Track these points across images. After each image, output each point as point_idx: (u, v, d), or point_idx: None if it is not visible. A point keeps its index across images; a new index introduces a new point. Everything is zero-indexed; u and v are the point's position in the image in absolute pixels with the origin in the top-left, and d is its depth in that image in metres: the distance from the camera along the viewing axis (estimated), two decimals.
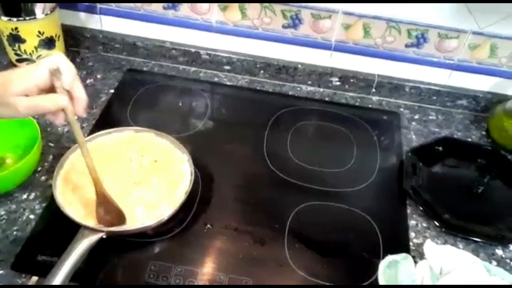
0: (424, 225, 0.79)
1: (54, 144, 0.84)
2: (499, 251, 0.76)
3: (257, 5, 0.97)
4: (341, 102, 1.04)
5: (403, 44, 0.98)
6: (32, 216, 0.73)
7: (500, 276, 0.64)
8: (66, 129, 0.88)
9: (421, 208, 0.80)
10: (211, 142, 0.90)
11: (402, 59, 1.00)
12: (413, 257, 0.69)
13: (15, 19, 0.89)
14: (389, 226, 0.78)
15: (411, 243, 0.75)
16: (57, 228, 0.71)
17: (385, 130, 0.97)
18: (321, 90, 1.06)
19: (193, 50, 1.05)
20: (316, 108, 1.01)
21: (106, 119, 0.91)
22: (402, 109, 1.04)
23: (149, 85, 1.01)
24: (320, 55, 1.03)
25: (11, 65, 0.97)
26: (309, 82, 1.06)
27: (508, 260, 0.75)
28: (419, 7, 0.92)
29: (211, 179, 0.82)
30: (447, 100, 1.04)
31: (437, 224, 0.78)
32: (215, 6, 0.98)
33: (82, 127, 0.89)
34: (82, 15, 1.05)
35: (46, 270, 0.61)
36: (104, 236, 0.66)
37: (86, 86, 0.97)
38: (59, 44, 0.97)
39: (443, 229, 0.77)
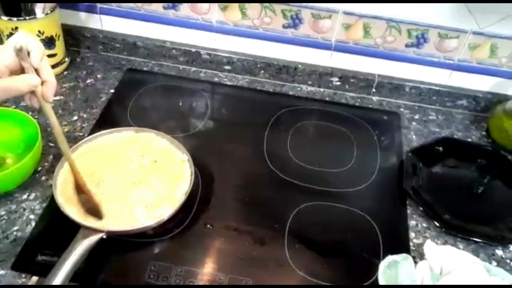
0: (424, 225, 0.79)
1: (54, 144, 0.84)
2: (499, 252, 0.76)
3: (257, 5, 0.97)
4: (341, 102, 1.04)
5: (403, 44, 0.98)
6: (32, 216, 0.73)
7: (500, 276, 0.64)
8: (66, 129, 0.88)
9: (421, 208, 0.80)
10: (211, 142, 0.90)
11: (402, 59, 1.00)
12: (413, 257, 0.69)
13: (15, 18, 0.89)
14: (389, 226, 0.78)
15: (411, 243, 0.75)
16: (57, 228, 0.71)
17: (385, 130, 0.97)
18: (321, 90, 1.06)
19: (193, 50, 1.05)
20: (316, 108, 1.01)
21: (106, 119, 0.91)
22: (402, 109, 1.04)
23: (149, 85, 1.01)
24: (320, 55, 1.03)
25: None
26: (309, 82, 1.06)
27: (508, 261, 0.75)
28: (419, 7, 0.92)
29: (211, 179, 0.82)
30: (447, 100, 1.04)
31: (437, 224, 0.78)
32: (215, 6, 0.98)
33: (82, 127, 0.89)
34: (82, 15, 1.05)
35: (46, 270, 0.61)
36: (104, 236, 0.66)
37: (86, 86, 0.99)
38: (59, 43, 0.97)
39: (443, 230, 0.77)
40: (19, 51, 0.54)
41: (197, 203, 0.77)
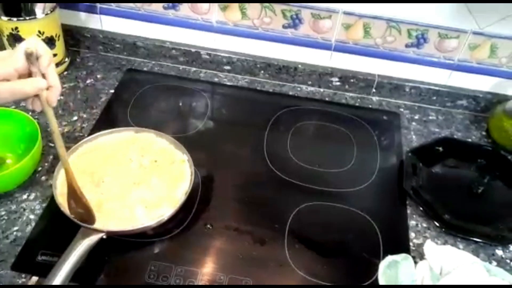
0: (424, 225, 0.79)
1: (54, 144, 0.84)
2: (499, 251, 0.76)
3: (257, 5, 0.97)
4: (341, 102, 1.04)
5: (403, 44, 0.98)
6: (32, 216, 0.73)
7: (500, 276, 0.64)
8: (66, 129, 0.88)
9: (421, 208, 0.80)
10: (211, 142, 0.90)
11: (402, 59, 1.00)
12: (413, 257, 0.69)
13: (15, 18, 0.89)
14: (389, 226, 0.78)
15: (411, 243, 0.75)
16: (57, 228, 0.71)
17: (385, 130, 0.98)
18: (321, 90, 1.06)
19: (193, 50, 1.05)
20: (316, 108, 1.01)
21: (106, 119, 0.91)
22: (402, 109, 1.04)
23: (149, 85, 1.01)
24: (320, 55, 1.03)
25: None
26: (309, 82, 1.06)
27: (508, 260, 0.75)
28: (419, 7, 0.92)
29: (211, 179, 0.82)
30: (447, 100, 1.04)
31: (437, 224, 0.78)
32: (215, 6, 0.98)
33: (82, 127, 0.89)
34: (82, 15, 1.05)
35: (46, 270, 0.61)
36: (104, 236, 0.66)
37: (86, 86, 0.99)
38: (59, 44, 0.97)
39: (443, 230, 0.77)
40: (29, 56, 0.56)
41: (197, 203, 0.77)
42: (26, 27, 0.90)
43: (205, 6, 0.99)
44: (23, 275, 0.65)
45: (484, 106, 1.03)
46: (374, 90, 1.05)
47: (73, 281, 0.62)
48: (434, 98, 1.04)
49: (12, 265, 0.66)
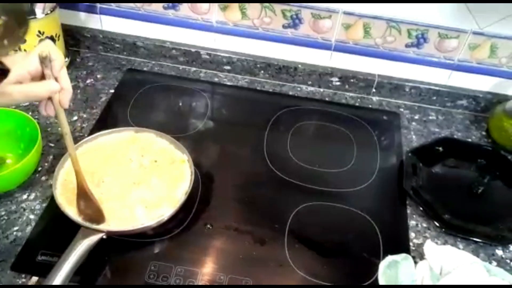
0: (424, 225, 0.79)
1: (54, 144, 0.84)
2: (499, 252, 0.76)
3: (257, 5, 0.97)
4: (341, 102, 1.04)
5: (403, 44, 0.98)
6: (32, 216, 0.73)
7: (500, 276, 0.64)
8: None
9: (421, 208, 0.80)
10: (211, 142, 0.90)
11: (402, 59, 1.00)
12: (413, 257, 0.69)
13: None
14: (389, 226, 0.78)
15: (411, 243, 0.76)
16: (57, 228, 0.71)
17: (385, 130, 0.98)
18: (321, 90, 1.06)
19: (193, 50, 1.05)
20: (316, 108, 1.01)
21: (106, 119, 0.91)
22: (402, 109, 1.04)
23: (149, 85, 1.01)
24: (320, 55, 1.03)
25: None
26: (309, 82, 1.06)
27: (508, 260, 0.75)
28: (419, 7, 0.92)
29: (211, 179, 0.82)
30: (447, 100, 1.04)
31: (437, 224, 0.78)
32: (215, 6, 0.98)
33: (82, 127, 0.89)
34: (82, 15, 1.05)
35: (46, 270, 0.61)
36: (104, 236, 0.66)
37: (86, 86, 0.99)
38: (59, 44, 0.97)
39: (443, 230, 0.77)
40: (44, 59, 0.57)
41: (197, 203, 0.77)
42: None
43: (205, 6, 0.99)
44: (23, 275, 0.65)
45: (484, 106, 1.03)
46: (374, 90, 1.05)
47: (73, 281, 0.62)
48: (434, 98, 1.04)
49: (12, 265, 0.66)
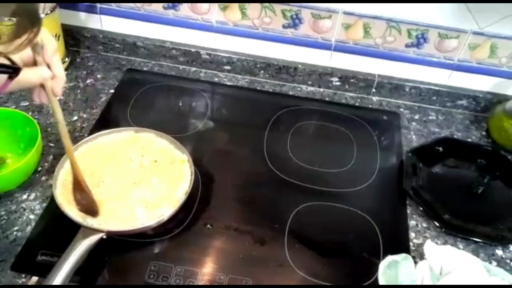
0: (424, 225, 0.79)
1: (54, 144, 0.84)
2: (499, 251, 0.76)
3: (257, 5, 0.97)
4: (341, 102, 1.04)
5: (403, 44, 0.98)
6: (32, 216, 0.73)
7: (500, 276, 0.64)
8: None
9: (421, 208, 0.80)
10: (211, 142, 0.90)
11: (402, 59, 1.00)
12: (413, 257, 0.69)
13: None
14: (389, 226, 0.78)
15: (411, 243, 0.76)
16: (57, 228, 0.71)
17: (385, 130, 0.97)
18: (321, 90, 1.06)
19: (193, 50, 1.05)
20: (316, 108, 1.01)
21: (106, 119, 0.91)
22: (402, 109, 1.04)
23: (149, 85, 1.01)
24: (320, 55, 1.03)
25: None
26: (309, 82, 1.06)
27: (508, 260, 0.75)
28: (419, 7, 0.92)
29: (211, 179, 0.82)
30: (447, 100, 1.04)
31: (437, 224, 0.78)
32: (215, 6, 0.98)
33: (82, 127, 0.89)
34: (82, 15, 1.05)
35: (46, 270, 0.61)
36: (104, 236, 0.66)
37: (86, 86, 0.99)
38: (59, 43, 0.97)
39: (443, 229, 0.77)
40: (35, 45, 0.55)
41: (197, 203, 0.77)
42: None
43: (205, 6, 0.99)
44: (23, 275, 0.65)
45: (484, 106, 1.03)
46: (374, 90, 1.05)
47: (73, 281, 0.62)
48: (434, 98, 1.04)
49: (12, 265, 0.66)
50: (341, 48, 1.01)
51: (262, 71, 1.06)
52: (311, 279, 0.69)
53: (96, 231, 0.66)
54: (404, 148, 0.93)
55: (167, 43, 1.05)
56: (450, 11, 0.91)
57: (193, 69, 1.08)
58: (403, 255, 0.66)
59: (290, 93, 1.05)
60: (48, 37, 0.57)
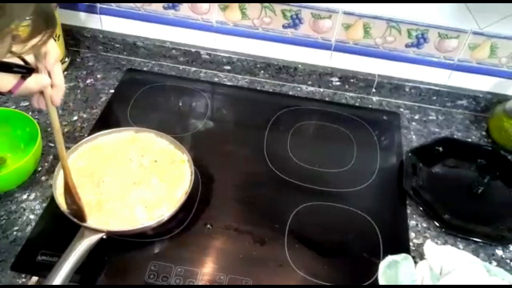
0: (424, 225, 0.79)
1: (54, 144, 0.84)
2: (499, 251, 0.76)
3: (257, 5, 0.97)
4: (341, 102, 1.04)
5: (403, 44, 0.98)
6: (32, 216, 0.73)
7: (500, 276, 0.64)
8: (66, 129, 0.88)
9: (421, 208, 0.80)
10: (211, 142, 0.90)
11: (402, 59, 1.00)
12: (413, 257, 0.69)
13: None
14: (389, 226, 0.78)
15: (411, 243, 0.76)
16: (57, 228, 0.71)
17: (385, 130, 0.97)
18: (321, 90, 1.06)
19: (193, 50, 1.05)
20: (316, 108, 1.01)
21: (106, 119, 0.91)
22: (402, 109, 1.04)
23: (149, 85, 1.01)
24: (320, 55, 1.03)
25: None
26: (309, 82, 1.06)
27: (508, 260, 0.75)
28: (419, 7, 0.92)
29: (211, 179, 0.82)
30: (447, 100, 1.04)
31: (437, 224, 0.78)
32: (215, 6, 0.98)
33: (82, 127, 0.89)
34: (82, 15, 1.05)
35: (46, 270, 0.61)
36: (104, 236, 0.66)
37: (86, 86, 0.99)
38: (59, 44, 0.97)
39: (443, 229, 0.77)
40: (37, 51, 0.56)
41: (197, 203, 0.77)
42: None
43: (205, 6, 0.99)
44: (23, 275, 0.65)
45: (484, 106, 1.03)
46: (374, 90, 1.05)
47: (73, 281, 0.62)
48: (434, 98, 1.04)
49: (12, 265, 0.66)
50: (341, 48, 1.01)
51: (262, 71, 1.06)
52: (311, 279, 0.69)
53: (96, 231, 0.66)
54: (404, 148, 0.93)
55: (167, 43, 1.05)
56: (450, 11, 0.91)
57: (193, 69, 1.08)
58: (403, 255, 0.66)
59: (290, 93, 1.05)
60: (52, 45, 0.58)
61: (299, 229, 0.75)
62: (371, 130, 0.97)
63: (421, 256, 0.71)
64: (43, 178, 0.79)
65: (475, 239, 0.76)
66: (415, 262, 0.67)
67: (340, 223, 0.78)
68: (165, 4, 1.00)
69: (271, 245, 0.73)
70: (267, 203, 0.80)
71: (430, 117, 1.02)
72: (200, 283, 0.66)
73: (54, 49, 0.58)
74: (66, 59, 1.02)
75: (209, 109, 0.97)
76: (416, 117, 1.02)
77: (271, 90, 1.05)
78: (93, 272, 0.66)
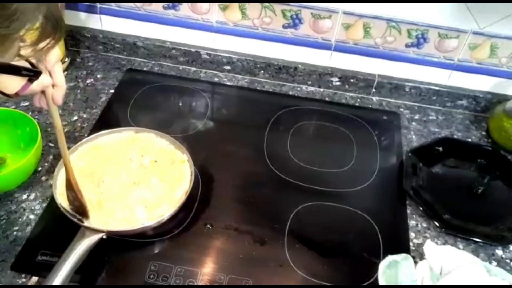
0: (424, 225, 0.79)
1: (54, 144, 0.84)
2: (499, 251, 0.76)
3: (257, 5, 0.97)
4: (341, 102, 1.04)
5: (403, 44, 0.98)
6: (32, 216, 0.73)
7: (500, 276, 0.64)
8: (66, 129, 0.88)
9: (421, 208, 0.80)
10: (211, 142, 0.90)
11: (402, 59, 1.00)
12: (413, 257, 0.69)
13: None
14: (389, 226, 0.78)
15: (411, 243, 0.76)
16: (57, 228, 0.71)
17: (385, 130, 0.97)
18: (321, 90, 1.06)
19: (193, 50, 1.05)
20: (316, 108, 1.01)
21: (106, 119, 0.91)
22: (402, 109, 1.04)
23: (149, 85, 1.01)
24: (320, 55, 1.03)
25: None
26: (309, 82, 1.06)
27: (508, 260, 0.75)
28: (419, 7, 0.92)
29: (211, 179, 0.82)
30: (447, 100, 1.04)
31: (437, 224, 0.78)
32: (215, 6, 0.98)
33: (82, 127, 0.89)
34: (82, 15, 1.05)
35: (46, 270, 0.61)
36: (104, 236, 0.66)
37: (86, 86, 0.99)
38: (59, 44, 0.97)
39: (443, 229, 0.77)
40: None
41: (197, 203, 0.77)
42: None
43: (205, 6, 0.99)
44: (23, 275, 0.65)
45: (484, 106, 1.03)
46: (374, 90, 1.05)
47: (73, 281, 0.62)
48: (434, 98, 1.04)
49: (12, 265, 0.66)
50: (341, 48, 1.01)
51: (262, 71, 1.06)
52: (311, 279, 0.69)
53: (96, 231, 0.66)
54: (404, 148, 0.93)
55: (167, 43, 1.05)
56: (450, 11, 0.91)
57: (193, 69, 1.08)
58: (403, 255, 0.66)
59: (290, 93, 1.05)
60: None
61: (299, 229, 0.75)
62: (371, 130, 0.97)
63: (421, 256, 0.71)
64: (43, 178, 0.79)
65: (475, 239, 0.76)
66: (415, 262, 0.67)
67: (340, 223, 0.78)
68: (165, 4, 1.00)
69: (271, 245, 0.73)
70: (267, 203, 0.80)
71: (430, 117, 1.02)
72: (200, 283, 0.66)
73: (54, 50, 0.58)
74: (66, 59, 1.02)
75: (209, 109, 0.97)
76: (416, 117, 1.02)
77: (271, 90, 1.05)
78: (93, 272, 0.66)
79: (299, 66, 1.04)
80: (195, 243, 0.71)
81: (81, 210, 0.68)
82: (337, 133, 0.95)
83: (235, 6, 0.98)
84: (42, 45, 0.44)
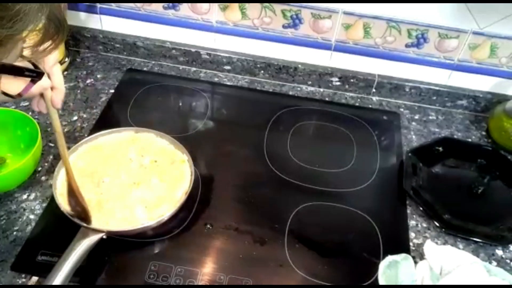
0: (424, 225, 0.79)
1: (54, 144, 0.84)
2: (499, 251, 0.76)
3: (257, 5, 0.97)
4: (341, 102, 1.04)
5: (403, 44, 0.98)
6: (32, 216, 0.73)
7: (500, 276, 0.64)
8: (66, 129, 0.88)
9: (421, 208, 0.80)
10: (211, 142, 0.90)
11: (402, 59, 1.00)
12: (413, 257, 0.69)
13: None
14: (389, 226, 0.78)
15: (411, 243, 0.76)
16: (57, 228, 0.71)
17: (385, 130, 0.97)
18: (321, 90, 1.06)
19: (193, 50, 1.05)
20: (316, 108, 1.01)
21: (106, 119, 0.91)
22: (402, 109, 1.04)
23: (149, 85, 1.01)
24: (320, 55, 1.03)
25: None
26: (309, 82, 1.06)
27: (508, 260, 0.75)
28: (419, 7, 0.92)
29: (211, 179, 0.82)
30: (447, 100, 1.04)
31: (437, 224, 0.78)
32: (215, 6, 0.98)
33: (82, 127, 0.89)
34: (82, 15, 1.05)
35: (46, 270, 0.61)
36: (104, 236, 0.66)
37: (86, 86, 0.99)
38: None
39: (443, 229, 0.77)
40: None
41: (197, 203, 0.77)
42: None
43: (205, 6, 0.99)
44: (23, 275, 0.65)
45: (484, 106, 1.03)
46: (374, 90, 1.05)
47: (73, 281, 0.62)
48: (434, 98, 1.04)
49: (12, 265, 0.66)
50: (341, 48, 1.01)
51: (262, 71, 1.06)
52: (311, 279, 0.69)
53: (96, 231, 0.66)
54: (404, 148, 0.93)
55: (167, 43, 1.05)
56: (450, 11, 0.91)
57: (193, 69, 1.08)
58: (403, 255, 0.66)
59: (290, 93, 1.05)
60: None
61: (299, 229, 0.75)
62: (371, 130, 0.97)
63: (421, 256, 0.71)
64: (43, 178, 0.79)
65: (475, 239, 0.76)
66: (415, 262, 0.67)
67: (340, 223, 0.78)
68: (165, 4, 1.00)
69: (271, 245, 0.73)
70: (267, 203, 0.80)
71: (430, 117, 1.02)
72: (200, 283, 0.66)
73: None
74: (66, 59, 1.02)
75: (209, 109, 0.97)
76: (416, 117, 1.02)
77: (271, 90, 1.05)
78: (93, 272, 0.66)
79: (299, 66, 1.04)
80: (195, 243, 0.71)
81: (83, 215, 0.68)
82: (337, 133, 0.95)
83: (235, 6, 0.98)
84: (44, 46, 0.44)
